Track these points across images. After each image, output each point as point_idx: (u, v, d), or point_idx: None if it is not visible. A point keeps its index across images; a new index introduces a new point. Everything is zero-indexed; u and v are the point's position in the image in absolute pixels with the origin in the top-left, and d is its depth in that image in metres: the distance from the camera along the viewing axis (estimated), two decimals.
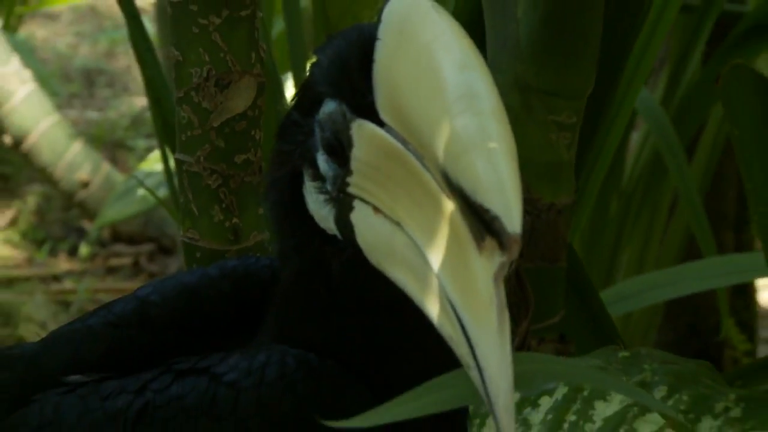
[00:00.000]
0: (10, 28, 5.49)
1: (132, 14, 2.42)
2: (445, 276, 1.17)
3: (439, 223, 1.18)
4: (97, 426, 1.43)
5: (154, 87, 2.34)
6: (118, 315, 1.55)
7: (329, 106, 1.30)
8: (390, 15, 1.23)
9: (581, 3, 1.87)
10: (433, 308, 1.18)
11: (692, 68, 3.13)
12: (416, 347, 1.35)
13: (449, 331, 1.16)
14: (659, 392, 1.83)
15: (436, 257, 1.18)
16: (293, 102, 1.39)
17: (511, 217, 1.11)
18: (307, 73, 1.37)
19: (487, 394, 1.12)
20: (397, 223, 1.22)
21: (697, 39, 3.06)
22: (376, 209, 1.25)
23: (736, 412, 1.79)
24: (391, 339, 1.37)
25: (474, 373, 1.13)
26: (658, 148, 3.00)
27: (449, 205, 1.17)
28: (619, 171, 3.04)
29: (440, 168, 1.17)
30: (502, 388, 1.12)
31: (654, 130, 3.00)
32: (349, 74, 1.27)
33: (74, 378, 1.49)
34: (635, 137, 3.16)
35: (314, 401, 1.33)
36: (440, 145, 1.17)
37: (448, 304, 1.16)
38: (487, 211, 1.13)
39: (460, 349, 1.15)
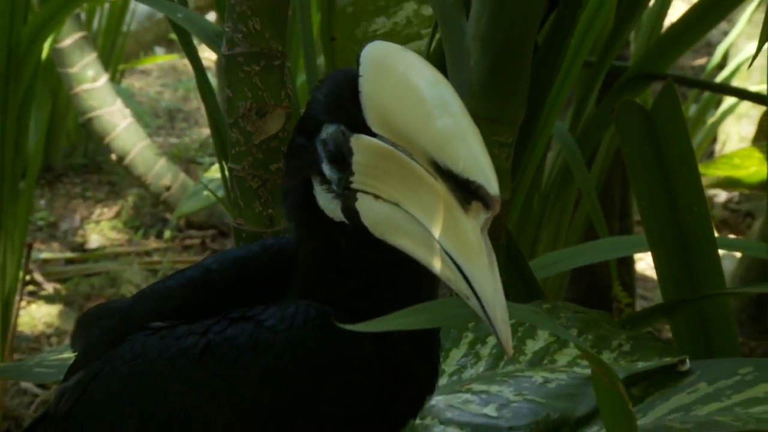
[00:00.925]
0: (116, 80, 5.46)
1: (200, 70, 2.38)
2: (441, 235, 1.18)
3: (431, 199, 1.19)
4: (173, 358, 1.40)
5: (214, 119, 2.29)
6: (188, 278, 1.53)
7: (330, 129, 1.28)
8: (367, 57, 1.24)
9: (515, 58, 1.82)
10: (434, 261, 1.19)
11: (590, 106, 3.09)
12: (402, 297, 1.29)
13: (448, 275, 1.18)
14: (572, 333, 1.79)
15: (432, 223, 1.19)
16: (296, 130, 1.38)
17: (491, 184, 1.15)
18: (306, 108, 1.35)
19: (487, 315, 1.14)
20: (396, 204, 1.22)
21: (594, 86, 3.04)
22: (377, 197, 1.24)
23: (626, 348, 1.76)
24: (383, 292, 1.34)
25: (473, 302, 1.16)
26: (567, 161, 2.95)
27: (437, 185, 1.18)
28: (540, 177, 3.01)
29: (428, 158, 1.18)
30: (498, 307, 1.15)
31: (564, 148, 2.97)
32: (343, 103, 1.26)
33: (156, 324, 1.46)
34: (551, 154, 3.11)
35: (330, 338, 1.32)
36: (427, 141, 1.18)
37: (445, 256, 1.17)
38: (473, 182, 1.15)
39: (459, 286, 1.17)
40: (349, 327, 1.21)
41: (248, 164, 1.79)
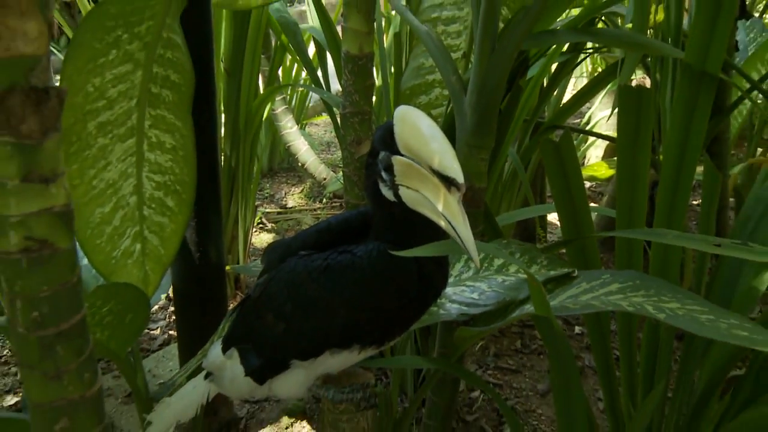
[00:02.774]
0: (302, 128, 5.41)
1: (336, 122, 2.27)
2: (440, 205, 1.10)
3: (433, 187, 1.10)
4: (310, 271, 1.27)
5: (342, 146, 2.14)
6: (319, 227, 1.39)
7: (382, 154, 1.17)
8: (396, 114, 1.14)
9: (490, 116, 1.69)
10: (439, 219, 1.11)
11: (526, 141, 2.92)
12: (426, 239, 1.16)
13: (445, 226, 1.09)
14: (517, 256, 1.64)
15: (435, 199, 1.10)
16: (368, 155, 1.26)
17: (460, 177, 1.07)
18: (372, 143, 1.25)
19: (465, 246, 1.07)
20: (417, 191, 1.12)
21: (528, 131, 2.87)
22: (408, 187, 1.15)
23: (545, 263, 1.61)
24: (417, 236, 1.18)
25: (458, 240, 1.07)
26: (515, 167, 2.78)
27: (434, 179, 1.09)
28: (501, 175, 2.84)
29: (428, 165, 1.09)
30: (470, 242, 1.07)
31: (514, 161, 2.79)
32: (387, 140, 1.15)
33: (302, 252, 1.33)
34: (507, 164, 2.94)
35: (391, 261, 1.19)
36: (426, 156, 1.09)
37: (443, 217, 1.09)
38: (450, 177, 1.08)
39: (451, 232, 1.09)
40: (399, 253, 1.13)
41: (352, 168, 1.67)
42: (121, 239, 1.82)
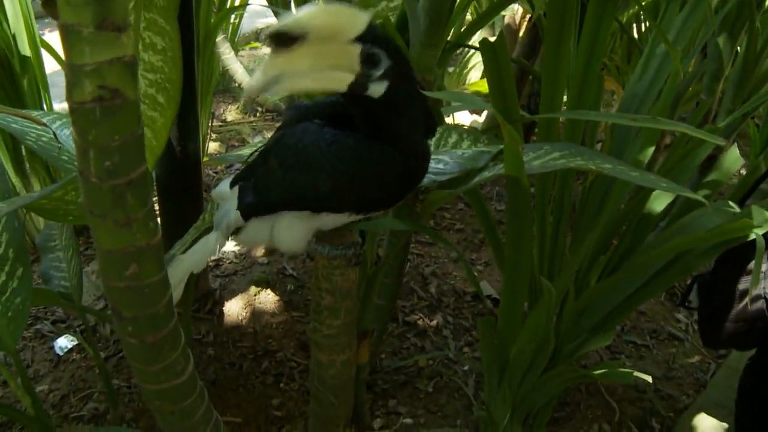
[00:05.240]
0: (237, 54, 5.02)
1: None
2: None
3: None
4: (319, 140, 1.12)
5: None
6: (333, 100, 1.22)
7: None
8: None
9: (439, 22, 1.60)
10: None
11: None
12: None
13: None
14: (464, 137, 1.58)
15: None
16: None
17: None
18: None
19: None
20: None
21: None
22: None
23: (486, 142, 1.54)
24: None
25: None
26: None
27: None
28: None
29: None
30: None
31: None
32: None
33: (316, 120, 1.19)
34: None
35: (377, 150, 1.08)
36: None
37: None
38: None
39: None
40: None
41: None
42: None
